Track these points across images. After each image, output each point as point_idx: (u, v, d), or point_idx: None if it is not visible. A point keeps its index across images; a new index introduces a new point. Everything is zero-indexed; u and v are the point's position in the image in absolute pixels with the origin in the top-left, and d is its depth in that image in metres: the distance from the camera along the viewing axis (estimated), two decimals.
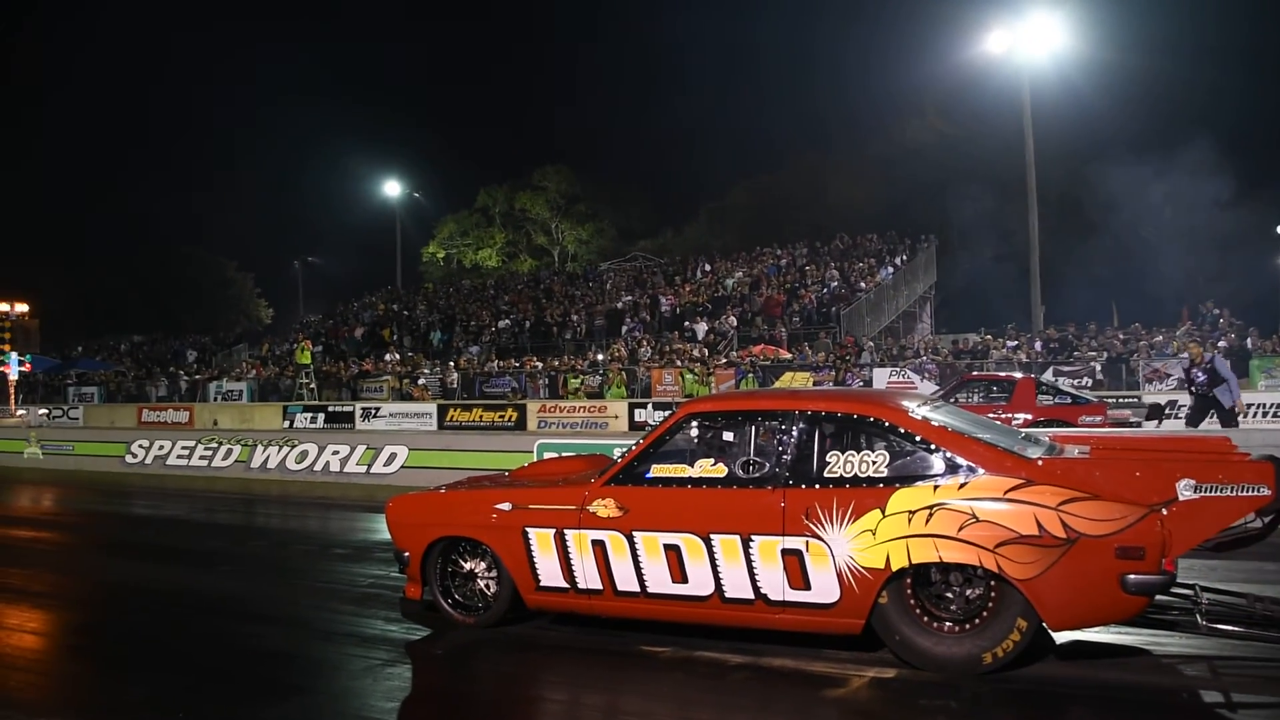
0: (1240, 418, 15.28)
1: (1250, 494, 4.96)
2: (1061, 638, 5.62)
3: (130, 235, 65.47)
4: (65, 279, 56.69)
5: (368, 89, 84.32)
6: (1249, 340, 21.98)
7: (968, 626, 5.22)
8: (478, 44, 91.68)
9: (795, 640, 5.73)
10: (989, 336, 25.79)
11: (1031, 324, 27.38)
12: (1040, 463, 5.27)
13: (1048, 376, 20.11)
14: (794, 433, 5.64)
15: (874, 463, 5.42)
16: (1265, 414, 18.59)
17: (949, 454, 5.30)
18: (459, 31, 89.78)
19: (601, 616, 6.15)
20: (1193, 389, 15.33)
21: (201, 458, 18.36)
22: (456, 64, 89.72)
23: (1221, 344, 21.76)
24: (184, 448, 18.72)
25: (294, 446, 17.49)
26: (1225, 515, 5.05)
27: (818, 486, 5.44)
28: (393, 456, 16.24)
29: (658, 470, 5.91)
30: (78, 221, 66.66)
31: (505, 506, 6.22)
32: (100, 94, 79.97)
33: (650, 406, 23.00)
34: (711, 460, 5.81)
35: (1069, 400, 16.26)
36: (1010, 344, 24.34)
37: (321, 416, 26.76)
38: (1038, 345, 24.01)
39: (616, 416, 23.44)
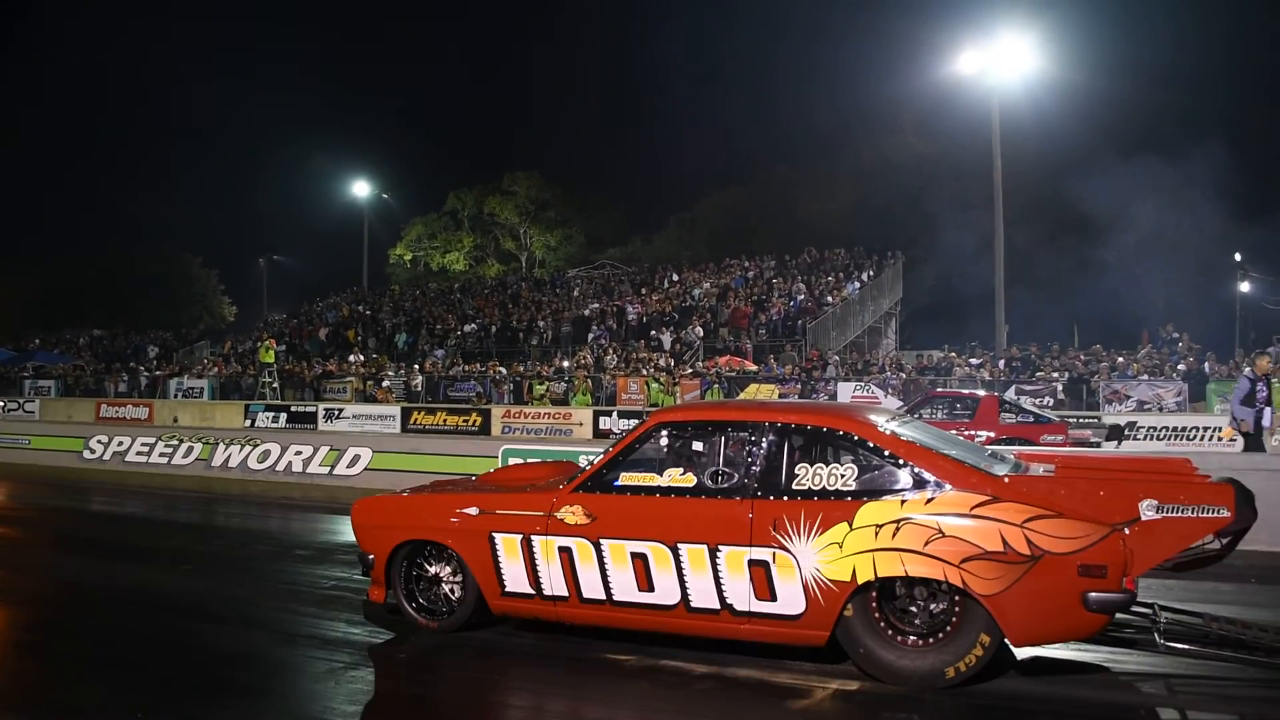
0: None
1: (1211, 515, 5.03)
2: (1022, 653, 5.67)
3: (92, 229, 64.69)
4: (23, 271, 55.81)
5: (338, 88, 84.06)
6: (1206, 364, 22.31)
7: (931, 641, 5.26)
8: (451, 46, 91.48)
9: (760, 651, 5.75)
10: (953, 354, 26.02)
11: (995, 342, 27.64)
12: (1006, 480, 5.33)
13: (1010, 395, 20.33)
14: (763, 444, 5.67)
15: (842, 476, 5.45)
16: (1220, 438, 18.84)
17: (917, 469, 5.35)
18: (431, 33, 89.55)
19: (566, 623, 6.14)
20: (1254, 407, 13.28)
21: (161, 455, 18.14)
22: (429, 66, 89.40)
23: (1181, 367, 22.10)
24: (144, 444, 18.48)
25: (256, 446, 17.32)
26: (1186, 536, 5.11)
27: (786, 498, 5.47)
28: (356, 458, 16.14)
29: (626, 478, 5.91)
30: (37, 213, 65.81)
31: (472, 511, 6.20)
32: (64, 86, 78.92)
33: (615, 414, 22.99)
34: (680, 470, 5.82)
35: (1031, 419, 16.46)
36: (973, 361, 24.57)
37: (284, 416, 26.52)
38: (1001, 364, 24.25)
39: (581, 424, 23.40)
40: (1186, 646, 5.43)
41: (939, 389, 20.46)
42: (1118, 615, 5.33)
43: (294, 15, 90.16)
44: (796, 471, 5.53)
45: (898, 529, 5.17)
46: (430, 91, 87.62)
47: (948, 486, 5.26)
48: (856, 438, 5.56)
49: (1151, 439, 19.22)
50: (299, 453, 16.79)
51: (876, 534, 5.20)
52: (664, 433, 6.09)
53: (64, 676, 5.81)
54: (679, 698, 5.30)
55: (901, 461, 5.40)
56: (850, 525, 5.26)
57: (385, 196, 52.09)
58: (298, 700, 5.40)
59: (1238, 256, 42.31)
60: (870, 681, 5.35)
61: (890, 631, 5.33)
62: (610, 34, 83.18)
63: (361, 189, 49.16)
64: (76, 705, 5.26)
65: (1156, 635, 5.44)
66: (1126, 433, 18.89)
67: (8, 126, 68.82)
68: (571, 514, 5.88)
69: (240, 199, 76.30)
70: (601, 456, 6.07)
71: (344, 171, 50.72)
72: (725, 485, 5.67)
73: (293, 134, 76.74)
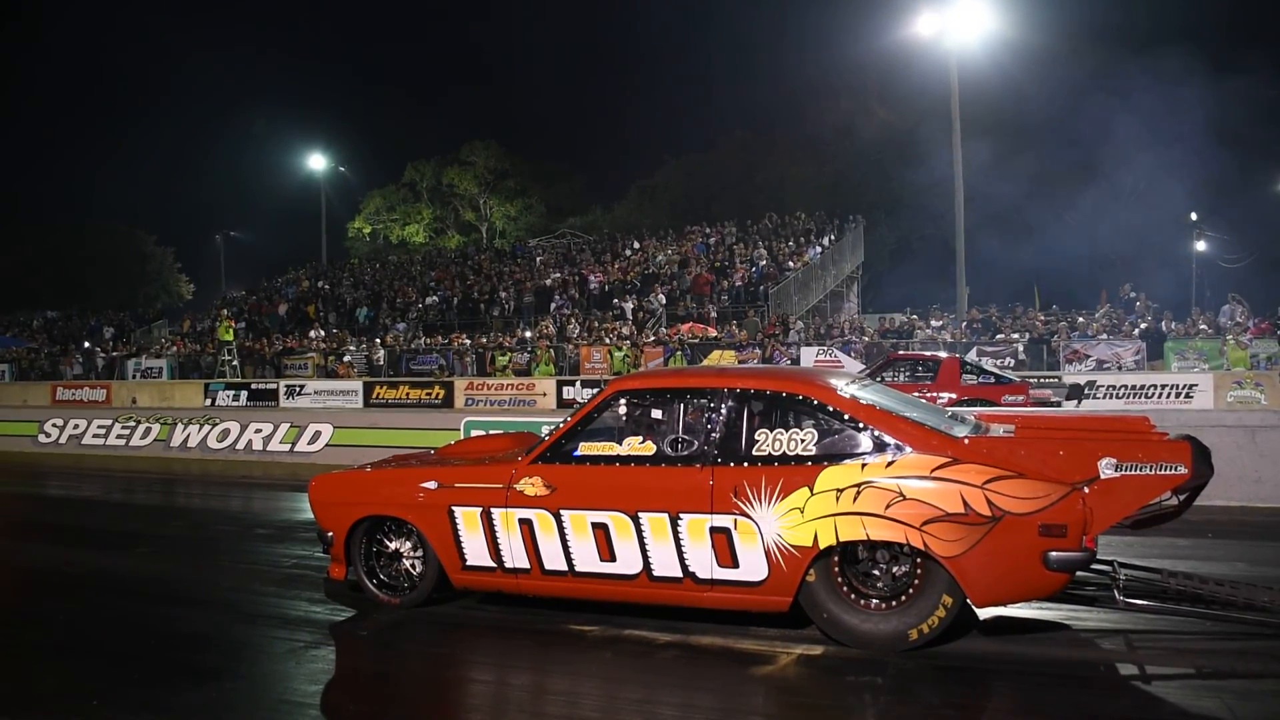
0: None
1: (1168, 472, 5.06)
2: (984, 613, 5.69)
3: (42, 208, 63.52)
4: None
5: (293, 61, 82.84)
6: (1164, 323, 22.54)
7: (894, 604, 5.27)
8: (406, 16, 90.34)
9: (724, 618, 5.74)
10: (914, 316, 26.13)
11: (957, 305, 27.78)
12: (966, 441, 5.33)
13: (971, 356, 20.45)
14: (723, 411, 5.63)
15: (802, 441, 5.42)
16: (1179, 394, 19.10)
17: (877, 432, 5.33)
18: (387, 4, 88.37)
19: (529, 596, 6.09)
20: None
21: (119, 437, 17.89)
22: (384, 37, 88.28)
23: (1141, 325, 22.31)
24: (100, 426, 18.21)
25: (215, 425, 17.14)
26: (1144, 493, 5.15)
27: (746, 465, 5.44)
28: (317, 434, 16.01)
29: (586, 448, 5.86)
30: None
31: (431, 485, 6.13)
32: (8, 61, 77.24)
33: (578, 384, 22.93)
34: (640, 438, 5.78)
35: (992, 380, 16.56)
36: (935, 324, 24.69)
37: (244, 394, 26.25)
38: (962, 325, 24.38)
39: (545, 394, 23.34)
40: (1145, 602, 5.47)
41: (900, 351, 20.54)
42: (1078, 573, 5.35)
43: None
44: (756, 437, 5.51)
45: (858, 493, 5.16)
46: (385, 62, 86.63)
47: (908, 449, 5.25)
48: (816, 402, 5.53)
49: (1111, 398, 19.41)
50: (259, 430, 16.63)
51: (837, 498, 5.19)
52: (622, 401, 6.04)
53: (19, 665, 5.69)
54: (643, 667, 5.28)
55: (861, 425, 5.37)
56: (811, 490, 5.24)
57: (342, 169, 51.50)
58: (259, 681, 5.33)
59: (1194, 215, 42.74)
60: (834, 646, 5.35)
61: (853, 595, 5.33)
62: (569, 2, 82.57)
63: (318, 162, 48.49)
64: (32, 694, 5.15)
65: (1116, 592, 5.47)
66: (1086, 392, 19.09)
67: None
68: (531, 485, 5.82)
69: (195, 175, 75.43)
70: (560, 426, 6.02)
71: (300, 145, 50.07)
72: (685, 453, 5.63)
73: (246, 108, 75.75)
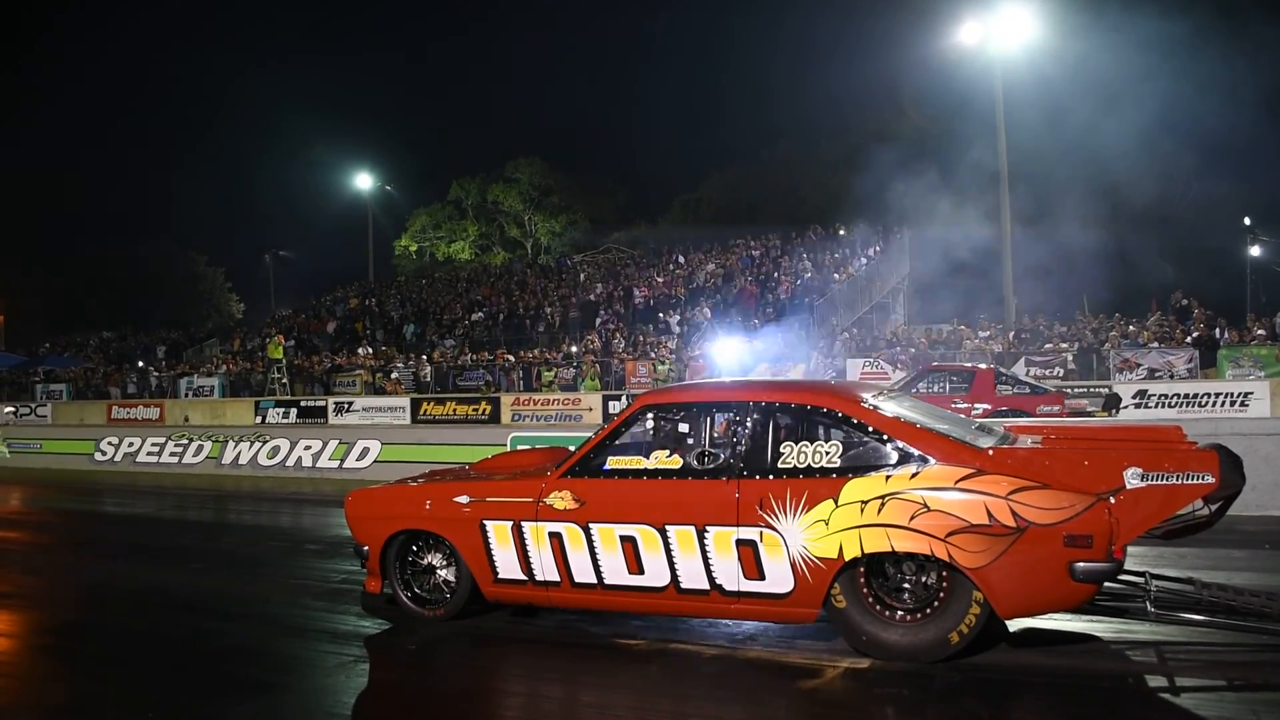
0: None
1: (1196, 482, 5.01)
2: (1015, 625, 5.66)
3: (98, 230, 64.87)
4: (30, 275, 55.91)
5: (339, 81, 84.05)
6: (1218, 330, 22.17)
7: (929, 612, 5.26)
8: (450, 36, 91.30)
9: (775, 631, 5.77)
10: (962, 327, 25.92)
11: (1004, 315, 27.50)
12: (991, 452, 5.31)
13: (1019, 367, 20.24)
14: (748, 424, 5.67)
15: (827, 453, 5.44)
16: (1233, 403, 18.78)
17: (901, 444, 5.34)
18: (431, 23, 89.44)
19: (560, 608, 6.16)
20: None
21: (172, 454, 18.29)
22: (429, 55, 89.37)
23: (1194, 334, 21.95)
24: (154, 444, 18.64)
25: (266, 442, 17.45)
26: (1171, 503, 5.10)
27: (771, 477, 5.48)
28: (365, 451, 16.23)
29: (614, 462, 5.93)
30: (42, 217, 65.88)
31: (463, 500, 6.23)
32: (64, 88, 79.14)
33: (624, 398, 22.95)
34: (667, 452, 5.83)
35: (1027, 390, 16.47)
36: (983, 334, 24.47)
37: (294, 411, 26.60)
38: (1010, 335, 24.15)
39: (590, 409, 23.40)
40: (1177, 614, 5.43)
41: (936, 363, 20.40)
42: (1109, 584, 5.32)
43: (292, 11, 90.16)
44: (781, 450, 5.54)
45: (883, 505, 5.17)
46: (431, 80, 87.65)
47: (933, 461, 5.25)
48: (840, 414, 5.56)
49: (1164, 406, 19.11)
50: (308, 447, 16.90)
51: (862, 510, 5.21)
52: (649, 416, 6.12)
53: (78, 677, 5.85)
54: (684, 680, 5.32)
55: (886, 437, 5.39)
56: (836, 502, 5.26)
57: (388, 188, 52.07)
58: (309, 694, 5.43)
59: (1247, 220, 41.97)
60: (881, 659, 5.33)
61: (879, 606, 5.32)
62: (610, 16, 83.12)
63: (364, 181, 49.09)
64: (89, 705, 5.30)
65: (1147, 603, 5.43)
66: (1138, 401, 18.82)
67: (9, 129, 69.06)
68: (560, 499, 5.91)
69: (245, 196, 76.72)
70: (588, 441, 6.10)
71: (347, 164, 50.71)
72: (711, 466, 5.68)
73: (294, 129, 76.80)
